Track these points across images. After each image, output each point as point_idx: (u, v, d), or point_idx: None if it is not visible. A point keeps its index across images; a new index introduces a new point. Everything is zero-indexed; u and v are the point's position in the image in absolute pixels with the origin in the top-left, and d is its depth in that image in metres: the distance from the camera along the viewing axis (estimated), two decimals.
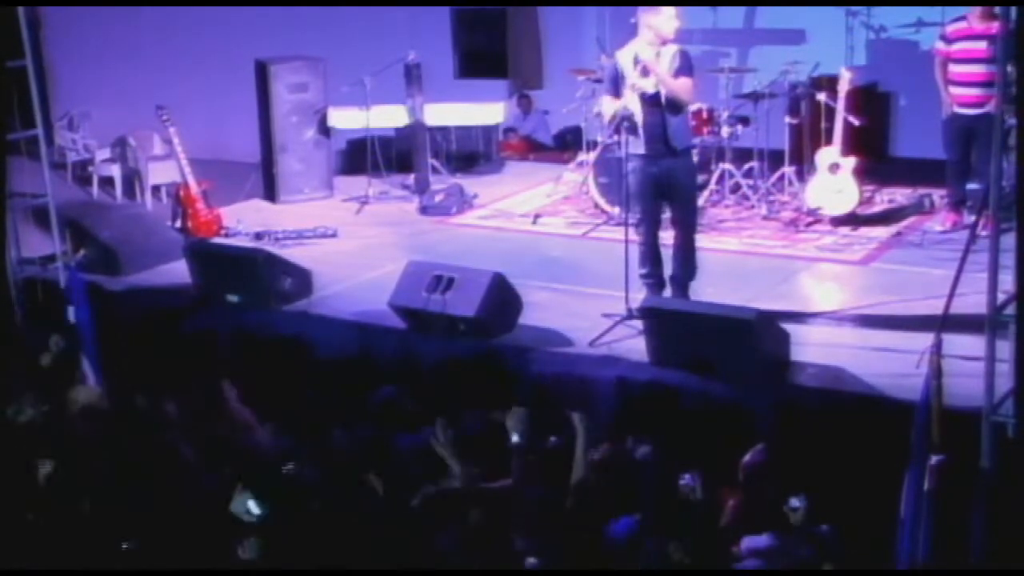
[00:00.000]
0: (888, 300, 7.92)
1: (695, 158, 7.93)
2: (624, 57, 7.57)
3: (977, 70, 8.88)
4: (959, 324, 5.72)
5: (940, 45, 9.19)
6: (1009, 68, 5.59)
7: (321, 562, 5.13)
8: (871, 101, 11.04)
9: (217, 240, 10.05)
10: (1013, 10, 5.29)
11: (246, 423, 6.54)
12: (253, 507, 5.35)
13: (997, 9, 8.41)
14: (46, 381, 7.23)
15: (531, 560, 5.07)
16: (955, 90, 9.05)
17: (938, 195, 9.82)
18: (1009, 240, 5.30)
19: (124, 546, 5.30)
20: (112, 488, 5.75)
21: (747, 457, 5.86)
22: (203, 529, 5.34)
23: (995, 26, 8.66)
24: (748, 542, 5.42)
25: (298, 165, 11.45)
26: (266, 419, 6.60)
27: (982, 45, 8.80)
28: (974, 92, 8.92)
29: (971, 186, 9.18)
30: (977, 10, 8.89)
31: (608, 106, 7.71)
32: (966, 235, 6.58)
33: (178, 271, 9.07)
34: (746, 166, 10.30)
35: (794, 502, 5.50)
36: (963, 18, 9.04)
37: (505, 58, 12.58)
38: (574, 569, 5.05)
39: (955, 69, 9.03)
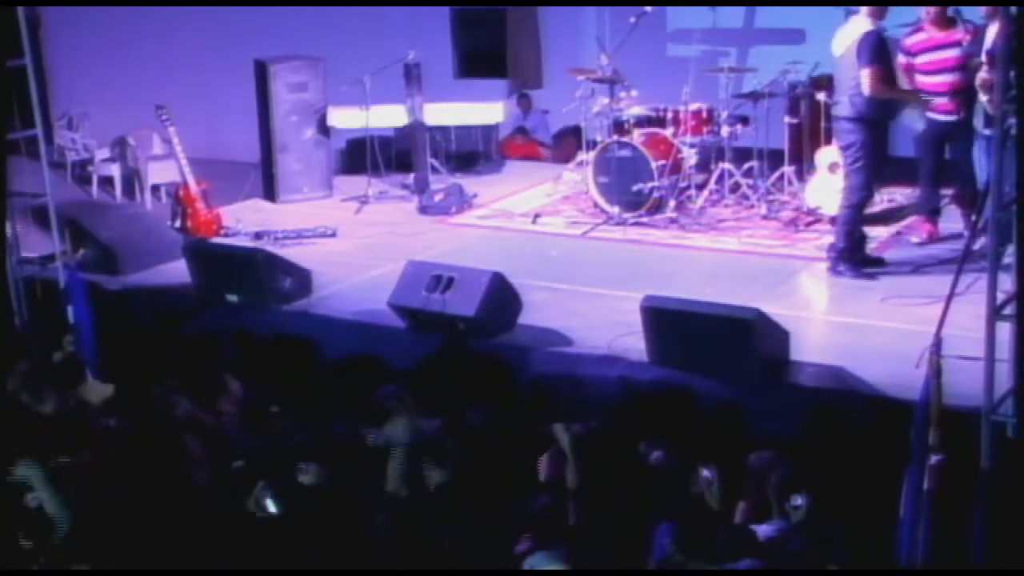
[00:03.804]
0: (888, 300, 7.93)
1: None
2: None
3: (946, 79, 8.63)
4: (959, 323, 5.71)
5: (902, 59, 8.81)
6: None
7: (321, 560, 5.13)
8: None
9: (217, 240, 10.05)
10: (1014, 10, 5.28)
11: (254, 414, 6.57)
12: (270, 505, 5.36)
13: (983, 11, 8.37)
14: (58, 378, 7.21)
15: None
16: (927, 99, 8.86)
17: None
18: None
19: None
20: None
21: (753, 456, 5.83)
22: (206, 526, 5.34)
23: (956, 33, 8.58)
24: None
25: (297, 165, 11.45)
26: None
27: (947, 54, 8.59)
28: (944, 101, 8.67)
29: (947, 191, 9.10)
30: (932, 18, 8.66)
31: None
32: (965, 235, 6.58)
33: (178, 271, 9.08)
34: (746, 166, 10.30)
35: (796, 500, 5.50)
36: (920, 28, 8.77)
37: (505, 58, 12.55)
38: (576, 569, 5.04)
39: (923, 80, 8.75)
